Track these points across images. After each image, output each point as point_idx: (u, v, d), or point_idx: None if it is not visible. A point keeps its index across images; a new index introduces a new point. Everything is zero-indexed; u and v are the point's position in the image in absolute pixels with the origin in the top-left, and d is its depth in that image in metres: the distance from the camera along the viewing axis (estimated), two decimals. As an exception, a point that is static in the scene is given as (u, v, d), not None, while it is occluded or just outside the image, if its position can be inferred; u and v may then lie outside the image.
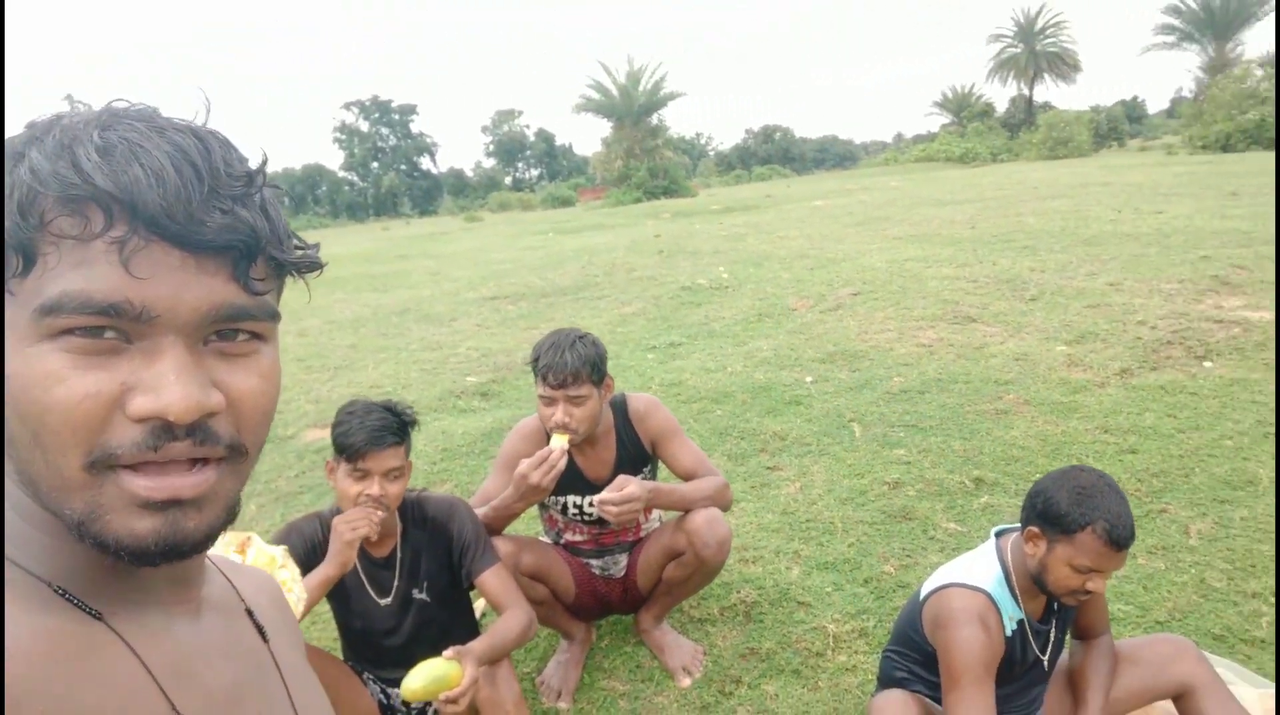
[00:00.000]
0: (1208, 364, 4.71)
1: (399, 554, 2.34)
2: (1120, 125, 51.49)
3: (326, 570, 2.13)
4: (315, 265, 0.63)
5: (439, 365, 6.09)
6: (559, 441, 2.46)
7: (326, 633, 2.80)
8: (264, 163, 0.58)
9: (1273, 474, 3.50)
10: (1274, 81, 25.69)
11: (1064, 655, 2.32)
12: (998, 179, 16.00)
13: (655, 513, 2.91)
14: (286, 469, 4.91)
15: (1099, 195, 11.15)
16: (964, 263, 7.60)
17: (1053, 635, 2.12)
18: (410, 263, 16.16)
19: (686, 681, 2.74)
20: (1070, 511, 1.87)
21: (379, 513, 2.15)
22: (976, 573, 2.04)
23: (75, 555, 0.57)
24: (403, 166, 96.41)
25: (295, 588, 1.95)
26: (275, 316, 0.60)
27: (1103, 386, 4.58)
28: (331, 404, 5.51)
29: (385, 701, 2.45)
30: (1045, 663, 2.11)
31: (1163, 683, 2.20)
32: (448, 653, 2.05)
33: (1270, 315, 5.26)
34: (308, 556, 2.28)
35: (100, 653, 0.56)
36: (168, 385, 0.53)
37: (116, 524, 0.54)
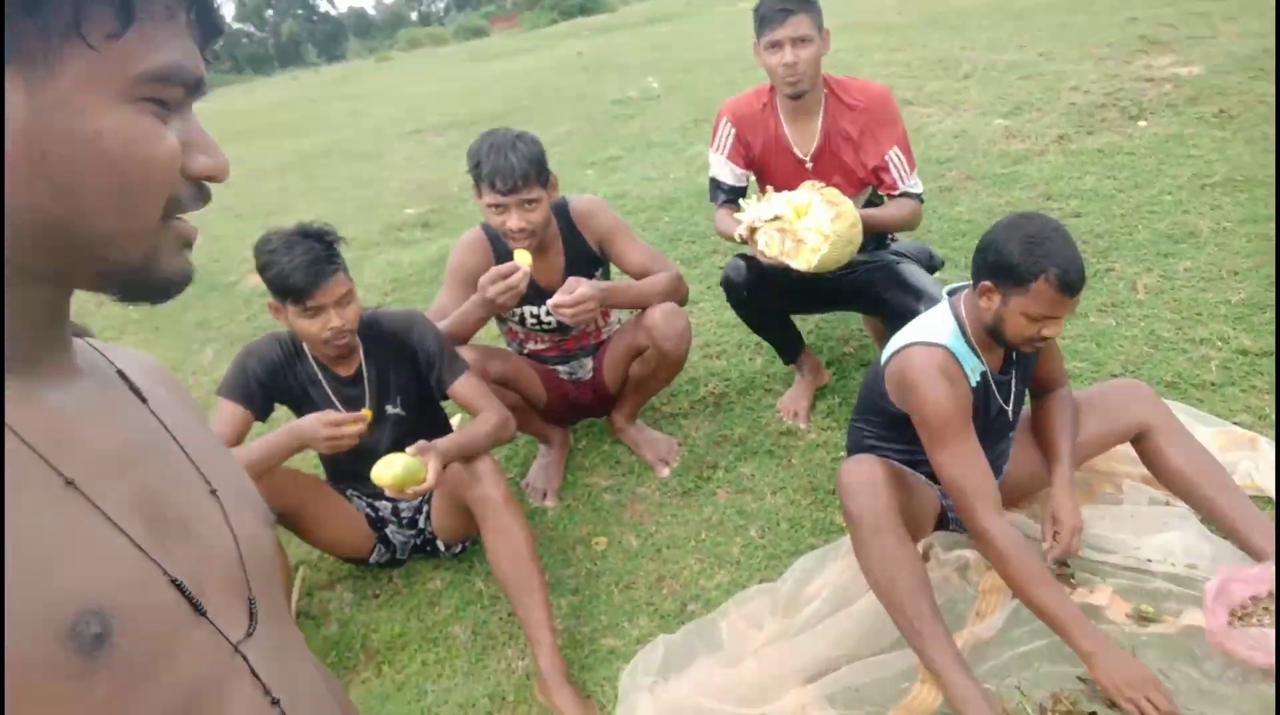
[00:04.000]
0: (1142, 123, 4.74)
1: (365, 372, 2.32)
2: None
3: (287, 442, 2.09)
4: None
5: (373, 200, 5.89)
6: (523, 259, 2.37)
7: (307, 459, 2.81)
8: None
9: (1212, 224, 3.60)
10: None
11: (1026, 408, 2.33)
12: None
13: (615, 315, 2.91)
14: (236, 313, 4.95)
15: (1025, -32, 10.79)
16: (894, 48, 7.42)
17: (1014, 385, 2.12)
18: (326, 106, 15.32)
19: (665, 471, 2.83)
20: (1023, 263, 1.82)
21: (360, 427, 2.09)
22: (932, 329, 2.02)
23: None
24: (300, 11, 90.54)
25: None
26: None
27: (1042, 154, 4.61)
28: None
29: (373, 514, 2.51)
30: (1010, 413, 2.13)
31: (1121, 426, 2.23)
32: (410, 449, 2.03)
33: (1201, 70, 5.27)
34: (270, 378, 2.26)
35: None
36: (217, 150, 0.61)
37: (167, 263, 0.61)
